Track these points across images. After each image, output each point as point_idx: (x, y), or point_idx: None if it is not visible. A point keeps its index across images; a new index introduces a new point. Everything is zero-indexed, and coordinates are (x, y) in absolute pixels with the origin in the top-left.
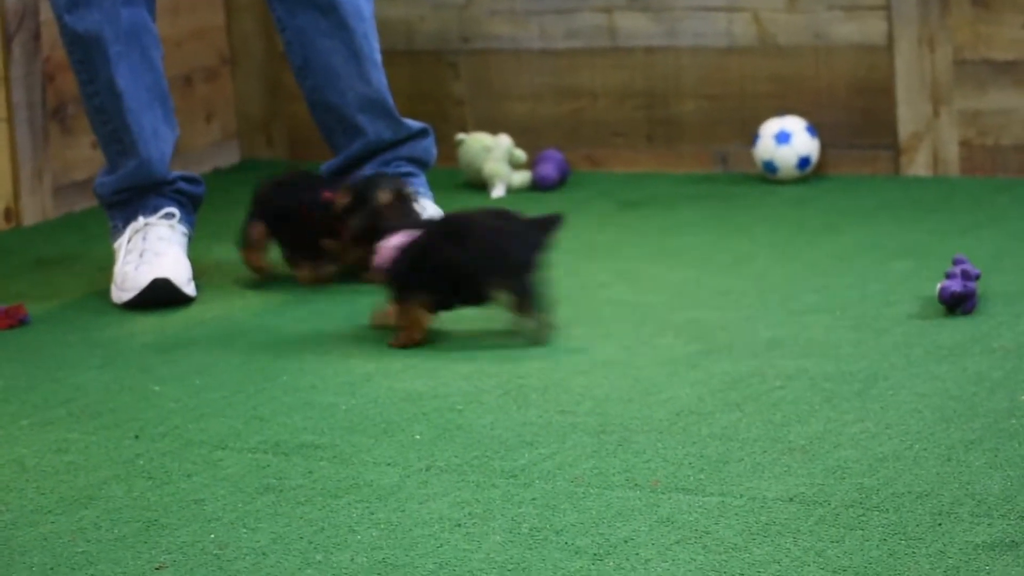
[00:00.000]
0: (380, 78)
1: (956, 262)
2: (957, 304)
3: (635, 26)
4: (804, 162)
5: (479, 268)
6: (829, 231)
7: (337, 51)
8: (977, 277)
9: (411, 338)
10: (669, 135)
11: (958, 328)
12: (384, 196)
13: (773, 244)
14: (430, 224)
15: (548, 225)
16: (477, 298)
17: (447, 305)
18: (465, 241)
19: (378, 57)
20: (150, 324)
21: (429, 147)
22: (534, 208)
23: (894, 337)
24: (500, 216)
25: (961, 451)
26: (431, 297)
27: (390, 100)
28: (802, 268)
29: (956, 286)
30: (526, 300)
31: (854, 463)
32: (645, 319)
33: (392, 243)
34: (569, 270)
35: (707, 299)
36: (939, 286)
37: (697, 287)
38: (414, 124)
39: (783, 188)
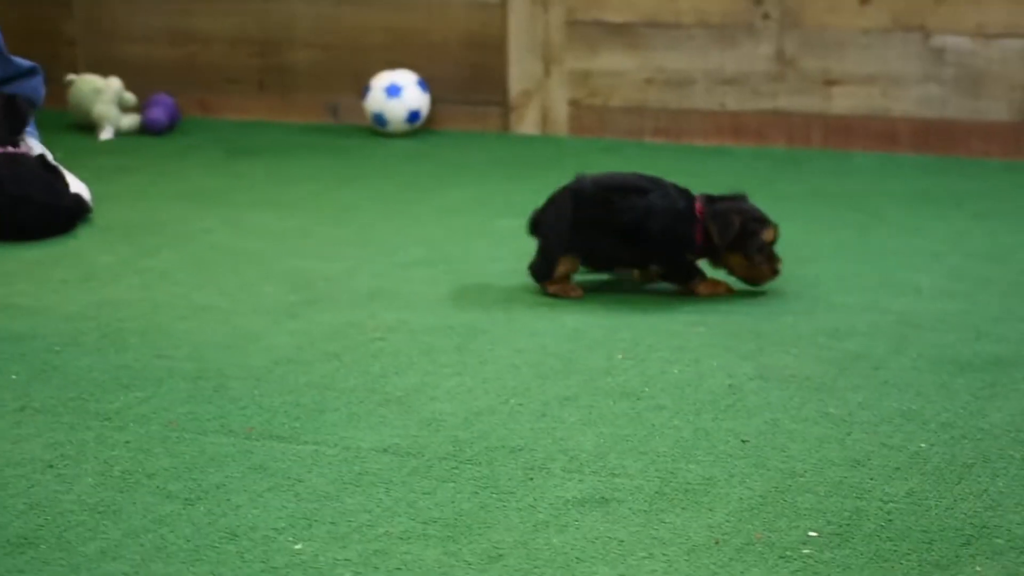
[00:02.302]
0: None
1: None
2: None
3: None
4: (414, 116)
5: None
6: (437, 186)
7: None
8: None
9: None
10: (282, 83)
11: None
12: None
13: (381, 197)
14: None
15: None
16: None
17: None
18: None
19: None
20: None
21: (38, 86)
22: (141, 151)
23: (495, 293)
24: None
25: (556, 407)
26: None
27: None
28: (408, 222)
29: None
30: None
31: (449, 416)
32: (247, 266)
33: None
34: (173, 215)
35: (312, 249)
36: None
37: (302, 237)
38: (23, 62)
39: (393, 141)
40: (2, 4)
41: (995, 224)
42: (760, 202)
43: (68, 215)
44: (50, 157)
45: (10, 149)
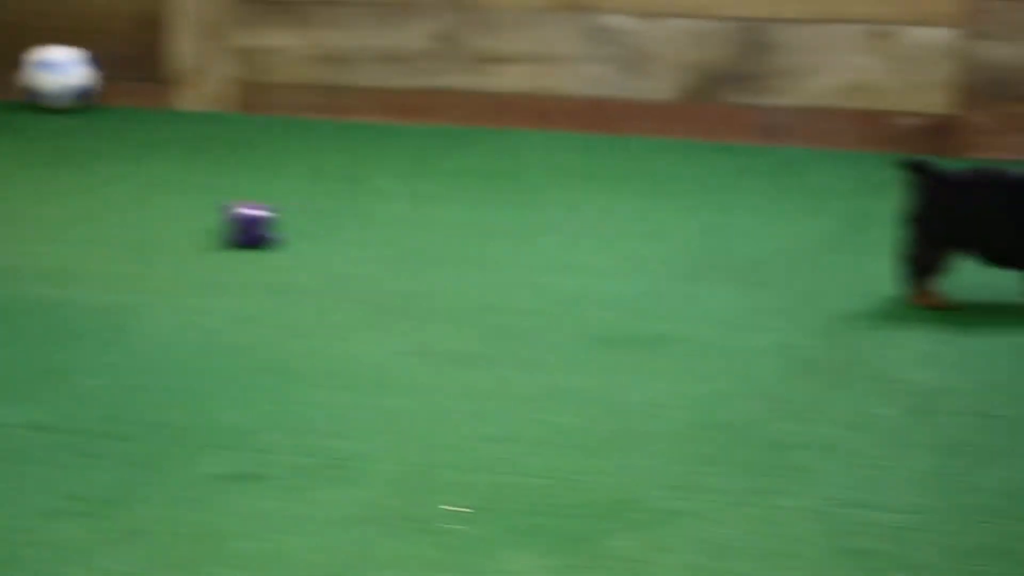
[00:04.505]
0: None
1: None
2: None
3: None
4: (77, 93)
5: None
6: (93, 162)
7: None
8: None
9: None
10: None
11: (227, 265)
12: None
13: (33, 178)
14: None
15: None
16: None
17: None
18: None
19: None
20: None
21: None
22: None
23: (163, 268)
24: None
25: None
26: None
27: None
28: (67, 199)
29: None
30: None
31: (102, 391)
32: None
33: None
34: None
35: None
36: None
37: None
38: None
39: (53, 118)
40: None
41: (657, 202)
42: (430, 180)
43: None
44: None
45: None
